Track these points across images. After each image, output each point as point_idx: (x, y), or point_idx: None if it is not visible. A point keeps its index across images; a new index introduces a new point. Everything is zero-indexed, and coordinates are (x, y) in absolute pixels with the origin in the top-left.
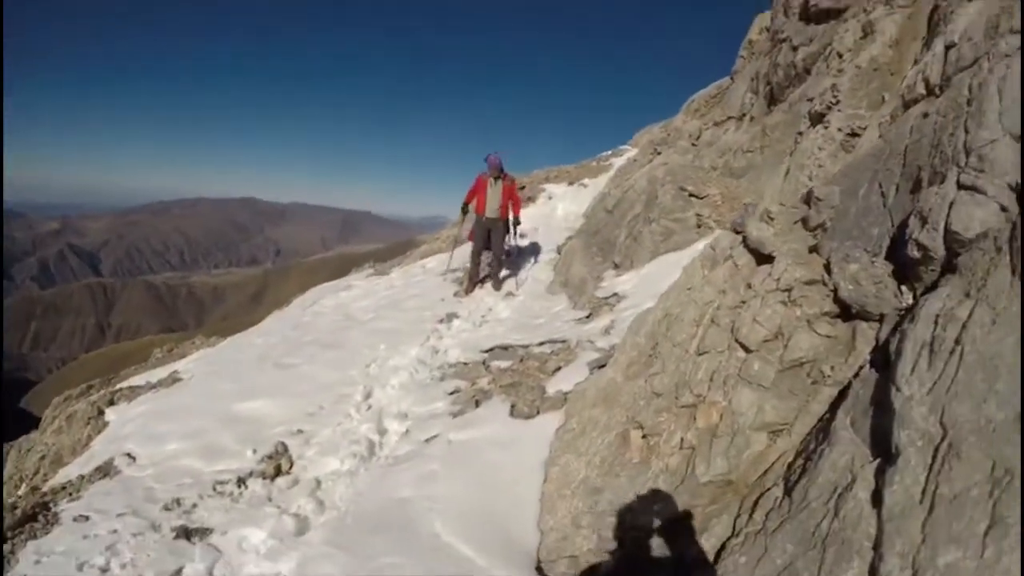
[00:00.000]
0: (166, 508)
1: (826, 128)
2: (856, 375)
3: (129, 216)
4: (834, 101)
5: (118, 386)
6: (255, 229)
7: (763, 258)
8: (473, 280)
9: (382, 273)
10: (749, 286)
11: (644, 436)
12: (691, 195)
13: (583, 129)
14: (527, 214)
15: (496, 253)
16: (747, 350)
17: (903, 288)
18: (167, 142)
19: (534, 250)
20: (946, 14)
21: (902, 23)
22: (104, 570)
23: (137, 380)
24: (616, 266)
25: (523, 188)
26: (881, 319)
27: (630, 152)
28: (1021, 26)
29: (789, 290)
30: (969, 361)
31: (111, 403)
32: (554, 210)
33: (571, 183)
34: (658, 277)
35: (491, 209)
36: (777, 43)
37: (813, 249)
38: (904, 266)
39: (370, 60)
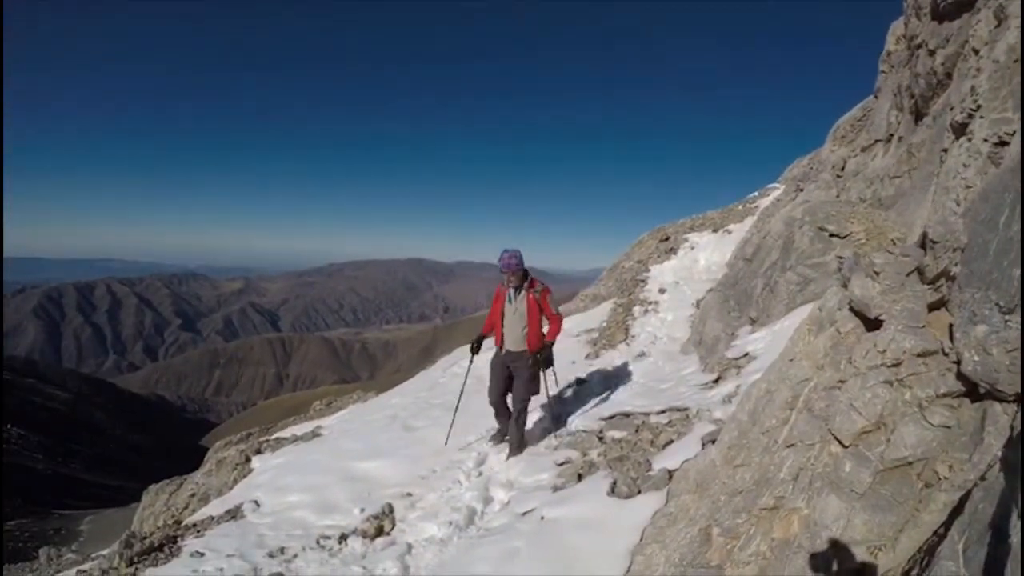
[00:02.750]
0: (270, 555)
1: (969, 140)
2: (982, 478)
3: (305, 277)
4: (974, 107)
5: (269, 437)
6: (424, 287)
7: (871, 323)
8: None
9: None
10: (850, 360)
11: (722, 536)
12: (832, 235)
13: (731, 170)
14: (669, 268)
15: (517, 401)
16: (841, 444)
17: None
18: (337, 208)
19: (673, 306)
20: None
21: None
22: None
23: (286, 432)
24: (752, 321)
25: (666, 239)
26: (1019, 400)
27: (777, 191)
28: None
29: (897, 365)
30: None
31: (258, 451)
32: (695, 261)
33: (715, 230)
34: (789, 335)
35: (512, 338)
36: (914, 50)
37: (935, 307)
38: None
39: (522, 129)
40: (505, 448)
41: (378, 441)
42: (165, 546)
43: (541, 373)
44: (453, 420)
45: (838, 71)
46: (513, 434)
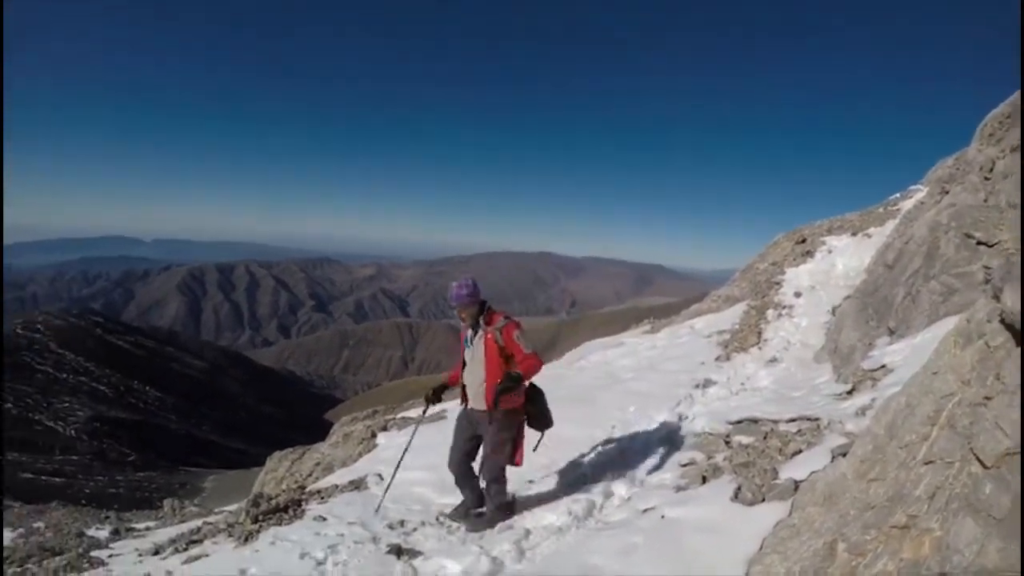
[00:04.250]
0: (390, 527)
1: None
2: None
3: (435, 267)
4: None
5: (395, 415)
6: (552, 281)
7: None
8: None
9: (655, 331)
10: (998, 376)
11: (847, 552)
12: (979, 243)
13: (874, 169)
14: (805, 271)
15: (484, 472)
16: (983, 465)
17: None
18: (468, 199)
19: (808, 311)
20: None
21: None
22: (320, 563)
23: (412, 413)
24: (891, 332)
25: (803, 241)
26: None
27: (920, 193)
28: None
29: None
30: None
31: (384, 429)
32: (833, 266)
33: (854, 234)
34: (930, 348)
35: (473, 393)
36: None
37: None
38: None
39: (661, 120)
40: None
41: None
42: (290, 508)
43: (510, 430)
44: (391, 481)
45: (985, 64)
46: (489, 509)
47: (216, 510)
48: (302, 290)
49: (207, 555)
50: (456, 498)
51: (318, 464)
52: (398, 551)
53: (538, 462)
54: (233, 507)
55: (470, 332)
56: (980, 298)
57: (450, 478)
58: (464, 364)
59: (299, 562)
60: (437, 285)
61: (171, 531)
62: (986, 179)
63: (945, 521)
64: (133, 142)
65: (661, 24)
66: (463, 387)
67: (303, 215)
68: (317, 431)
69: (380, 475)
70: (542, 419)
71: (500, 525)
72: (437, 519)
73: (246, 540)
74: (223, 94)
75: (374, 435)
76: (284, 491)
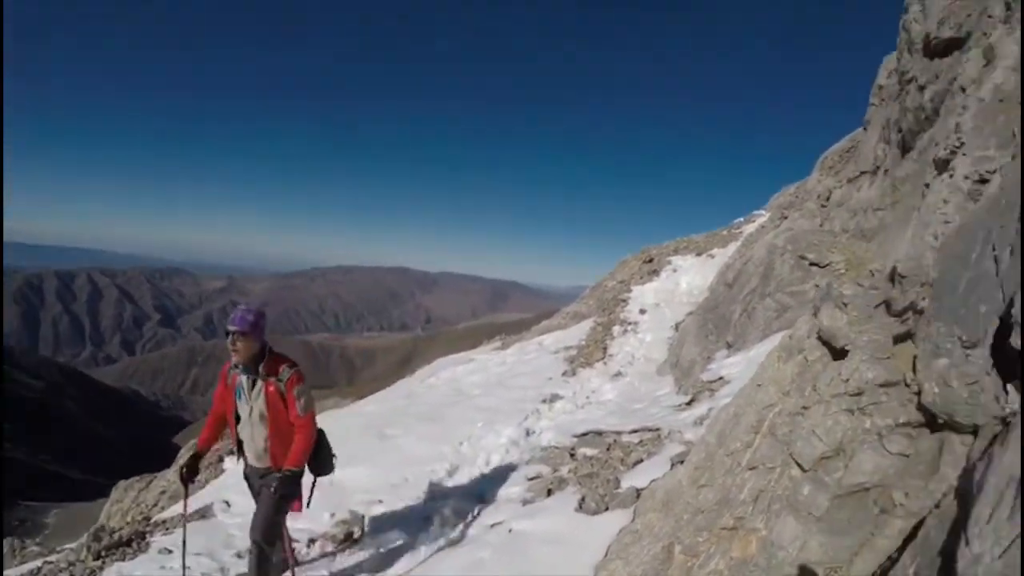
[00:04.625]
0: (238, 555)
1: (951, 176)
2: (937, 506)
3: (289, 280)
4: (957, 144)
5: None
6: (407, 296)
7: (837, 353)
8: None
9: (505, 347)
10: (815, 388)
11: (683, 554)
12: (812, 264)
13: (720, 193)
14: (651, 289)
15: (253, 531)
16: (801, 469)
17: (1009, 388)
18: (324, 212)
19: (652, 327)
20: None
21: None
22: None
23: None
24: (729, 346)
25: (650, 261)
26: (975, 432)
27: (762, 217)
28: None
29: (859, 394)
30: None
31: (231, 452)
32: (677, 284)
33: (699, 254)
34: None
35: (253, 449)
36: (904, 85)
37: (901, 339)
38: (1011, 360)
39: (514, 139)
40: (478, 460)
41: (352, 448)
42: (134, 541)
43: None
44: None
45: (830, 101)
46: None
47: (59, 548)
48: (148, 302)
49: None
50: (309, 520)
51: (163, 492)
52: None
53: (388, 481)
54: (75, 544)
55: (243, 378)
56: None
57: None
58: (236, 415)
59: None
60: (290, 299)
61: (11, 573)
62: (822, 206)
63: (769, 521)
64: None
65: (517, 30)
66: (239, 442)
67: (150, 220)
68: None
69: (227, 502)
70: (324, 465)
71: (351, 546)
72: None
73: None
74: (54, 85)
75: (221, 459)
76: (128, 523)
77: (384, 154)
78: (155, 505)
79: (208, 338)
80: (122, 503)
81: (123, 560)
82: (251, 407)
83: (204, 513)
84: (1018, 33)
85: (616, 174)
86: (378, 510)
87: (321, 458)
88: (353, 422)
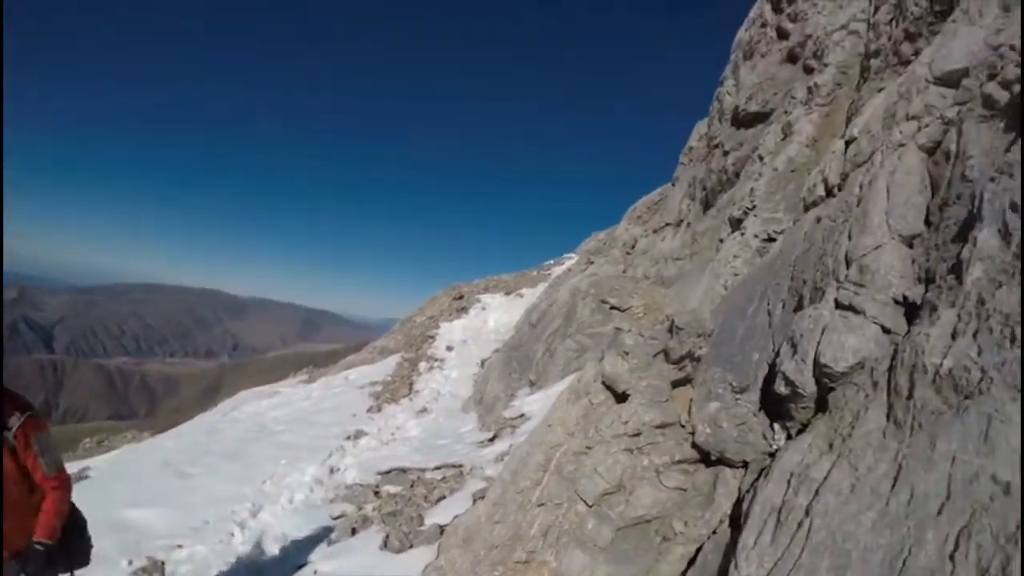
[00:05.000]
0: None
1: (742, 234)
2: (714, 532)
3: (89, 295)
4: (751, 206)
5: None
6: (214, 321)
7: (620, 396)
8: None
9: (311, 380)
10: (597, 429)
11: None
12: (613, 307)
13: (533, 235)
14: (459, 326)
15: None
16: (586, 504)
17: (776, 427)
18: (130, 223)
19: (459, 363)
20: (857, 108)
21: (819, 122)
22: None
23: None
24: (531, 384)
25: (460, 297)
26: (745, 466)
27: (571, 261)
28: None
29: (637, 435)
30: (816, 540)
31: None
32: (485, 322)
33: (508, 293)
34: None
35: None
36: (712, 149)
37: (680, 383)
38: (777, 402)
39: (332, 167)
40: (281, 499)
41: (150, 487)
42: None
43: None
44: None
45: (644, 155)
46: None
47: None
48: None
49: None
50: (106, 569)
51: None
52: None
53: (188, 524)
54: None
55: None
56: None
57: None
58: None
59: None
60: (89, 317)
61: None
62: (627, 253)
63: (559, 554)
64: None
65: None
66: None
67: None
68: None
69: None
70: (79, 550)
71: None
72: None
73: None
74: None
75: None
76: None
77: (197, 170)
78: None
79: None
80: None
81: None
82: None
83: None
84: (815, 114)
85: (435, 209)
86: (179, 555)
87: (75, 542)
88: (151, 459)
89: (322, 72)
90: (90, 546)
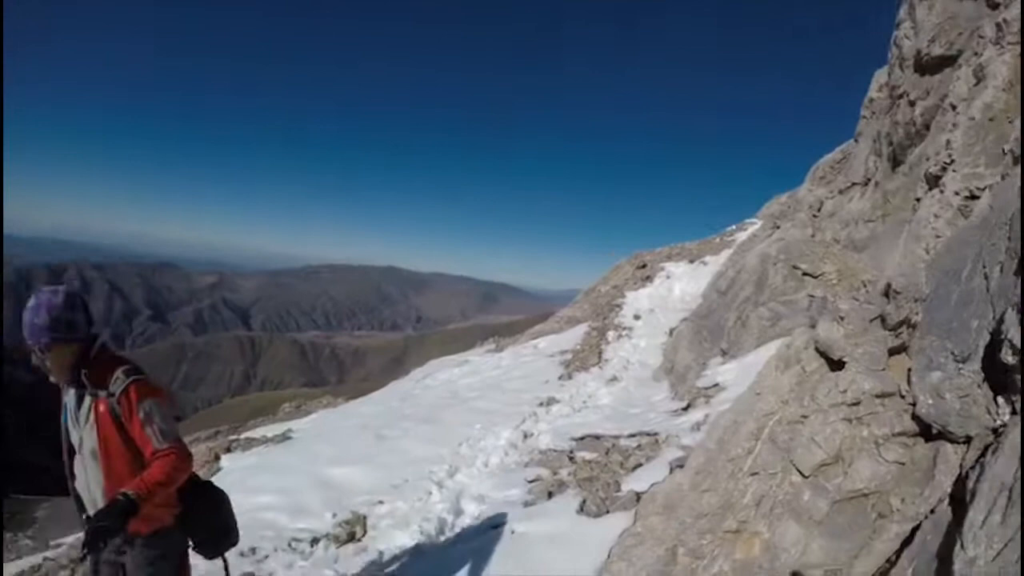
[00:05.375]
0: (241, 554)
1: (942, 192)
2: (932, 511)
3: (280, 277)
4: (948, 161)
5: (239, 436)
6: (398, 296)
7: (834, 364)
8: None
9: (499, 350)
10: (813, 397)
11: (687, 556)
12: (805, 274)
13: (712, 202)
14: (644, 295)
15: None
16: (801, 475)
17: (1000, 400)
18: (316, 210)
19: (646, 333)
20: None
21: (1013, 63)
22: None
23: (256, 432)
24: (723, 353)
25: (643, 267)
26: (968, 442)
27: (754, 226)
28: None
29: (856, 404)
30: None
31: (227, 450)
32: (671, 290)
33: (692, 261)
34: (758, 368)
35: (89, 500)
36: (895, 99)
37: (896, 351)
38: (1002, 373)
39: (506, 142)
40: (476, 462)
41: (350, 448)
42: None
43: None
44: None
45: (823, 113)
46: None
47: (52, 542)
48: (138, 297)
49: None
50: (310, 519)
51: None
52: None
53: (388, 482)
54: (71, 539)
55: (71, 394)
56: (802, 325)
57: (303, 502)
58: (72, 453)
59: None
60: (281, 297)
61: (10, 568)
62: (814, 216)
63: (772, 525)
64: None
65: (515, 28)
66: (75, 493)
67: (142, 215)
68: None
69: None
70: (218, 540)
71: (353, 548)
72: (289, 544)
73: None
74: (50, 80)
75: (217, 457)
76: None
77: (376, 153)
78: None
79: (198, 333)
80: None
81: None
82: (81, 437)
83: None
84: (1008, 55)
85: (609, 179)
86: (380, 511)
87: (217, 534)
88: (350, 422)
89: (518, 46)
90: (233, 532)
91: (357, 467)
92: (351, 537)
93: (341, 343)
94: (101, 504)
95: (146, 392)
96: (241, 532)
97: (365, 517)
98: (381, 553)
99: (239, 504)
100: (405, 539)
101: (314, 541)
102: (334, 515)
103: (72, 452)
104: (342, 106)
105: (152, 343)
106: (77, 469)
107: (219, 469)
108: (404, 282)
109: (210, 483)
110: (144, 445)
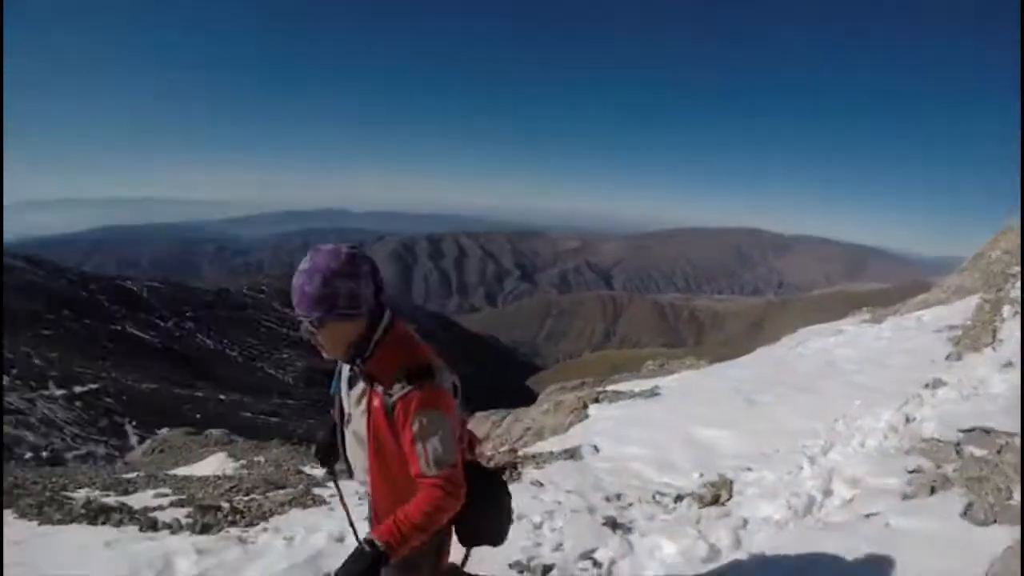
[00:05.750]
0: (606, 499)
1: None
2: None
3: (640, 240)
4: None
5: (606, 388)
6: (759, 259)
7: None
8: None
9: (876, 321)
10: None
11: None
12: None
13: None
14: None
15: None
16: None
17: None
18: (673, 171)
19: None
20: None
21: None
22: (536, 527)
23: (622, 386)
24: None
25: None
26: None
27: None
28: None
29: None
30: None
31: (595, 401)
32: None
33: None
34: None
35: (357, 475)
36: None
37: None
38: None
39: (883, 94)
40: (853, 441)
41: (719, 410)
42: (507, 470)
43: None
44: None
45: None
46: None
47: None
48: (508, 260)
49: None
50: (676, 476)
51: (529, 429)
52: (613, 524)
53: (757, 449)
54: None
55: (345, 371)
56: None
57: (669, 458)
58: (342, 418)
59: (516, 524)
60: (641, 260)
61: None
62: None
63: None
64: (345, 121)
65: None
66: (345, 456)
67: (509, 187)
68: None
69: (595, 447)
70: (480, 536)
71: (716, 511)
72: (653, 497)
73: None
74: (426, 71)
75: (585, 406)
76: (499, 452)
77: (733, 113)
78: (519, 439)
79: (563, 292)
80: (477, 432)
81: None
82: (349, 414)
83: (572, 454)
84: None
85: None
86: (747, 477)
87: (482, 523)
88: (718, 384)
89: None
90: (503, 529)
91: (725, 430)
92: (715, 500)
93: (701, 305)
94: (367, 488)
95: (428, 402)
96: (608, 478)
97: (732, 481)
98: (745, 521)
99: (608, 452)
100: (770, 510)
101: (678, 498)
102: (700, 475)
103: (343, 418)
104: (698, 68)
105: (520, 300)
106: (346, 438)
107: (586, 417)
108: (765, 245)
109: (496, 475)
110: (411, 463)
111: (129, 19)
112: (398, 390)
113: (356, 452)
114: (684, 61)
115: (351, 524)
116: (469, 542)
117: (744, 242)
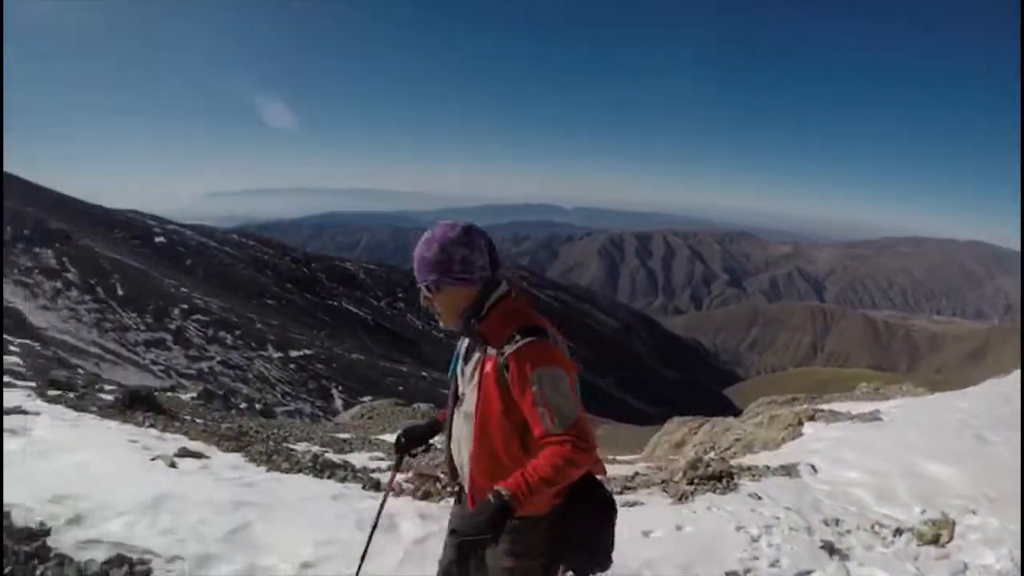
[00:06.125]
0: (824, 522)
1: None
2: None
3: (855, 249)
4: None
5: (821, 407)
6: (984, 277)
7: None
8: None
9: None
10: None
11: None
12: None
13: None
14: None
15: None
16: None
17: None
18: (894, 180)
19: None
20: None
21: None
22: (754, 539)
23: (839, 407)
24: None
25: None
26: None
27: None
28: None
29: None
30: None
31: (811, 419)
32: None
33: None
34: None
35: (459, 462)
36: None
37: None
38: None
39: None
40: None
41: (947, 444)
42: (723, 478)
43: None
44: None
45: None
46: None
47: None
48: (717, 263)
49: (642, 503)
50: (897, 508)
51: (738, 440)
52: (831, 549)
53: (984, 491)
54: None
55: (462, 345)
56: None
57: (890, 488)
58: (455, 401)
59: (734, 533)
60: (857, 270)
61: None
62: None
63: None
64: (561, 121)
65: None
66: (449, 457)
67: (719, 188)
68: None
69: (813, 466)
70: (589, 559)
71: (935, 552)
72: (872, 527)
73: (681, 499)
74: (650, 71)
75: (801, 423)
76: (711, 459)
77: (973, 108)
78: (727, 449)
79: (771, 301)
80: (672, 436)
81: (714, 492)
82: (463, 393)
83: (789, 471)
84: None
85: None
86: (971, 520)
87: (587, 532)
88: (944, 415)
89: None
90: (608, 547)
91: (951, 466)
92: (935, 539)
93: (918, 326)
94: (466, 469)
95: (545, 358)
96: (826, 500)
97: (954, 523)
98: (965, 566)
99: (826, 473)
100: (991, 559)
101: (898, 532)
102: (923, 511)
103: (456, 401)
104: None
105: (727, 305)
106: (455, 423)
107: (801, 434)
108: (993, 260)
109: (602, 486)
110: (534, 424)
111: (386, 40)
112: (511, 345)
113: (464, 433)
114: (915, 53)
115: (379, 511)
116: (580, 570)
117: (967, 256)
